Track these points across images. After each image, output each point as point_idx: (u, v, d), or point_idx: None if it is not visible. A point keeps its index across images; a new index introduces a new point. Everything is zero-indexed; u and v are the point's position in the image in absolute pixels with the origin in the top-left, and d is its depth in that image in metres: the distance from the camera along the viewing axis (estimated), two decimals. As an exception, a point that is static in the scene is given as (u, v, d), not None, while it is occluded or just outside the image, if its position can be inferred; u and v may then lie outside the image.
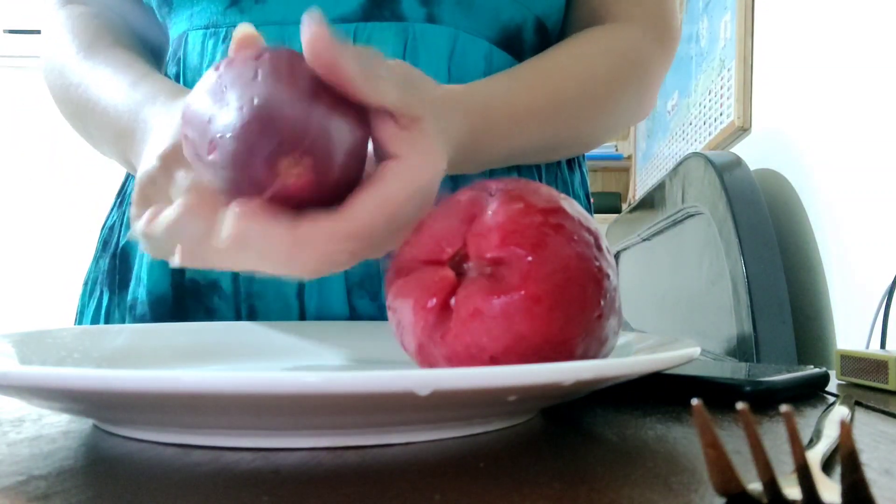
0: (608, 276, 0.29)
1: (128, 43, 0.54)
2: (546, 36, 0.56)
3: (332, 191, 0.30)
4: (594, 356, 0.29)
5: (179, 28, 0.55)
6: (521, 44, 0.55)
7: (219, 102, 0.28)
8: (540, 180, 0.57)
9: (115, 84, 0.48)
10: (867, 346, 0.88)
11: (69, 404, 0.25)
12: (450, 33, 0.51)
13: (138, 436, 0.26)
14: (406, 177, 0.31)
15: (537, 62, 0.51)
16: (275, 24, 0.50)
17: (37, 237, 2.77)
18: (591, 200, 0.64)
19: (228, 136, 0.27)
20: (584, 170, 0.64)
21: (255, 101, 0.27)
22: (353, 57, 0.29)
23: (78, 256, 2.67)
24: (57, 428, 0.29)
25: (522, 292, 0.27)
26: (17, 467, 0.22)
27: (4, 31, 2.74)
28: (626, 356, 0.31)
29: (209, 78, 0.30)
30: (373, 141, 0.32)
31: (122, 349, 0.40)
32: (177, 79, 0.53)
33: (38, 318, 2.71)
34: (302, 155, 0.28)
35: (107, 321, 0.55)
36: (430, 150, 0.33)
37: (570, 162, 0.61)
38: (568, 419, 0.31)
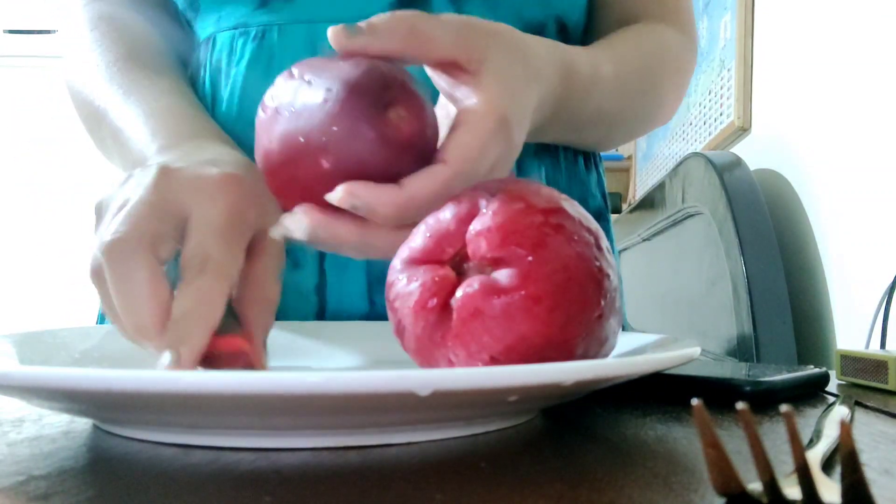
0: (608, 276, 0.29)
1: (151, 51, 0.54)
2: (567, 35, 0.57)
3: (429, 138, 0.32)
4: (594, 356, 0.29)
5: (206, 31, 0.55)
6: None
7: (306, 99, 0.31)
8: (559, 179, 0.57)
9: (132, 118, 0.46)
10: (867, 346, 0.88)
11: (69, 404, 0.25)
12: None
13: (138, 436, 0.26)
14: (480, 116, 0.32)
15: (600, 44, 0.51)
16: (304, 22, 0.50)
17: (37, 238, 2.77)
18: (608, 201, 0.64)
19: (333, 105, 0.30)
20: (601, 170, 0.65)
21: (345, 81, 0.30)
22: (384, 29, 0.31)
23: (77, 257, 2.67)
24: (57, 428, 0.29)
25: (522, 292, 0.27)
26: (17, 467, 0.22)
27: (4, 31, 2.74)
28: (627, 356, 0.31)
29: (278, 103, 0.32)
30: (445, 96, 0.33)
31: (122, 349, 0.40)
32: (203, 82, 0.54)
33: (42, 318, 2.71)
34: (401, 103, 0.31)
35: None
36: (499, 84, 0.33)
37: (586, 162, 0.62)
38: (568, 419, 0.31)
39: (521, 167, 0.55)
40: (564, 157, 0.58)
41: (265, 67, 0.51)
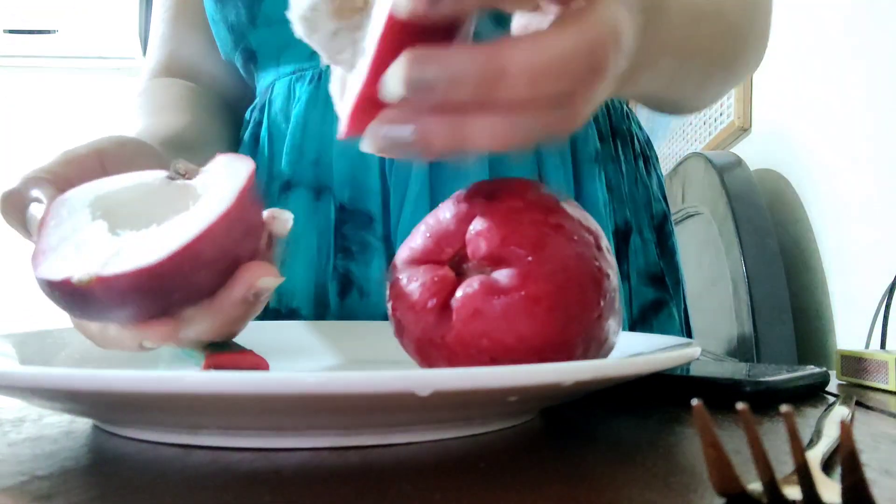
0: (608, 276, 0.29)
1: (199, 102, 0.59)
2: None
3: None
4: (594, 356, 0.29)
5: (266, 81, 0.59)
6: None
7: None
8: (621, 184, 0.57)
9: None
10: (867, 346, 0.88)
11: (70, 404, 0.25)
12: None
13: (139, 436, 0.26)
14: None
15: None
16: None
17: (37, 237, 2.77)
18: (668, 203, 0.63)
19: None
20: (660, 172, 0.64)
21: None
22: None
23: (78, 256, 2.66)
24: (58, 428, 0.29)
25: (522, 292, 0.27)
26: (19, 467, 0.22)
27: (4, 31, 2.74)
28: (627, 356, 0.31)
29: None
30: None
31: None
32: (265, 123, 0.57)
33: (42, 318, 2.70)
34: None
35: None
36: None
37: (646, 165, 0.61)
38: (568, 419, 0.31)
39: (581, 173, 0.54)
40: (625, 161, 0.58)
41: (322, 107, 0.53)
